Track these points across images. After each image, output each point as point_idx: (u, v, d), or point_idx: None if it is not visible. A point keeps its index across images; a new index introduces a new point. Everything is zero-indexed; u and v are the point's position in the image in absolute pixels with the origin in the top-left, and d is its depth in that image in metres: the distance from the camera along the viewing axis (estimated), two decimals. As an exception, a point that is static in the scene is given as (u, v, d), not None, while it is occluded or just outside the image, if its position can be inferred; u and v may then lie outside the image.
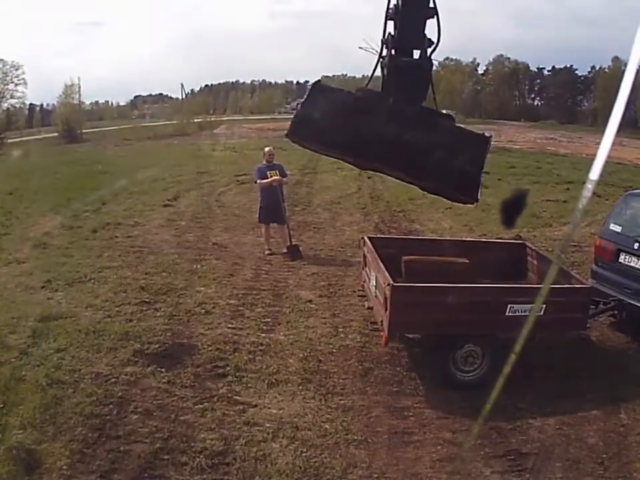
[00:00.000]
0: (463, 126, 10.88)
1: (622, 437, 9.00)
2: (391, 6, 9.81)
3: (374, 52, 9.88)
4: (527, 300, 9.86)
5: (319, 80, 10.82)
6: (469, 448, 8.55)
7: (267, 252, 17.65)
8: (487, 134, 10.47)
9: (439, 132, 10.14)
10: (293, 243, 17.76)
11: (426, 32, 9.86)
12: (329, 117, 9.92)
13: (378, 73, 10.04)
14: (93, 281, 14.52)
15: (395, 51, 9.81)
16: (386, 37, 9.91)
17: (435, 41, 9.87)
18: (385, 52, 9.92)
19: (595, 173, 3.30)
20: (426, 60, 9.96)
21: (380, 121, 9.93)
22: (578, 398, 9.90)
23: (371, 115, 9.93)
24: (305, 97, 10.28)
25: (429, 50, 9.94)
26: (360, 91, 10.24)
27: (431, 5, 9.71)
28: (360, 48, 10.40)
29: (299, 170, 34.97)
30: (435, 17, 9.76)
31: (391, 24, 9.83)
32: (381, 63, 10.12)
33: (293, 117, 10.42)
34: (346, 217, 23.73)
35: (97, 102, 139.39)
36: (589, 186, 3.38)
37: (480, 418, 7.64)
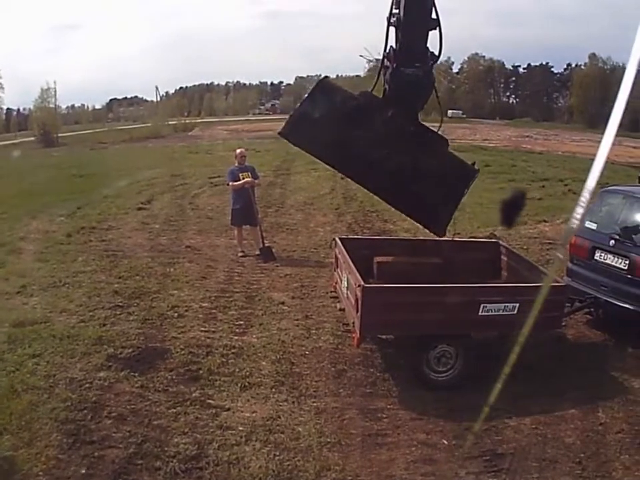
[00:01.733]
0: (454, 153, 10.96)
1: (600, 436, 9.04)
2: (393, 11, 9.87)
3: (374, 60, 9.98)
4: (500, 299, 9.95)
5: (327, 76, 10.82)
6: (445, 449, 8.62)
7: (240, 254, 17.68)
8: (476, 166, 10.58)
9: (428, 158, 10.22)
10: (266, 245, 17.82)
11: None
12: (326, 122, 9.97)
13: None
14: (67, 285, 14.52)
15: (397, 64, 9.85)
16: (388, 49, 9.97)
17: (437, 53, 9.96)
18: (386, 60, 10.00)
19: (593, 178, 3.33)
20: (428, 73, 10.03)
21: (374, 136, 9.99)
22: (554, 397, 9.93)
23: (367, 126, 9.98)
24: (308, 93, 10.30)
25: (431, 62, 10.05)
26: (362, 96, 10.26)
27: (433, 15, 9.75)
28: (361, 56, 10.50)
29: (273, 171, 35.02)
30: (438, 28, 9.81)
31: (392, 30, 9.90)
32: (383, 71, 10.19)
33: (290, 115, 10.46)
34: (319, 217, 23.80)
35: (72, 105, 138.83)
36: (587, 194, 3.41)
37: (479, 418, 7.75)
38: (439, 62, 10.23)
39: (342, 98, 10.40)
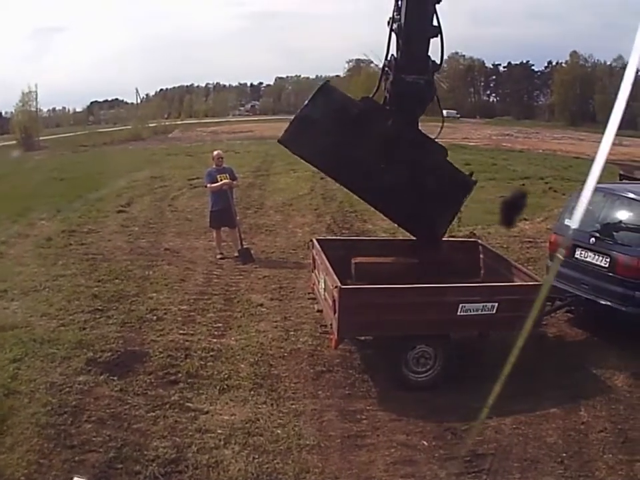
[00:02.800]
0: (452, 163, 10.97)
1: (582, 435, 9.04)
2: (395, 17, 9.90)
3: (375, 63, 10.06)
4: (479, 299, 9.97)
5: (328, 81, 10.83)
6: (425, 450, 8.62)
7: (219, 256, 17.68)
8: (473, 178, 10.61)
9: (427, 167, 10.24)
10: (245, 247, 17.80)
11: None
12: (326, 129, 9.96)
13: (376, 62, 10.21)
14: (47, 289, 14.50)
15: (398, 72, 9.88)
16: (389, 57, 10.00)
17: (438, 61, 10.01)
18: (386, 60, 10.03)
19: (593, 179, 3.36)
20: (429, 81, 10.06)
21: (374, 144, 10.00)
22: (535, 396, 9.91)
23: (367, 133, 9.99)
24: (309, 98, 10.28)
25: (432, 70, 10.09)
26: (364, 101, 10.28)
27: (435, 23, 9.79)
28: (359, 59, 10.53)
29: (252, 172, 35.02)
30: (439, 35, 9.85)
31: (392, 35, 9.93)
32: (384, 78, 10.21)
33: (291, 121, 10.44)
34: (298, 218, 23.77)
35: (54, 109, 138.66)
36: (588, 194, 3.43)
37: (479, 417, 7.75)
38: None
39: (343, 103, 10.41)
